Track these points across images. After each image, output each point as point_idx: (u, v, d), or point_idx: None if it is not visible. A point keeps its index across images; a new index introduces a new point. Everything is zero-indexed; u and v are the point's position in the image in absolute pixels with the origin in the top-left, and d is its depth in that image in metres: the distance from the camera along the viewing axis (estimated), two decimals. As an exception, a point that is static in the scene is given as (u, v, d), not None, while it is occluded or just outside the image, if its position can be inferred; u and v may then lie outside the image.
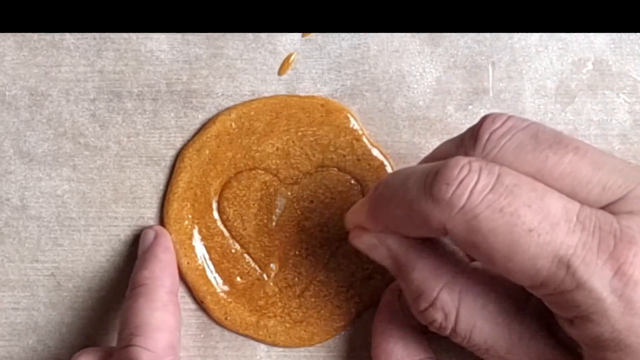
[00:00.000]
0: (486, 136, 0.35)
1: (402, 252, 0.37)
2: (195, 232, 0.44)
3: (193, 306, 0.44)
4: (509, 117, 0.35)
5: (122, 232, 0.45)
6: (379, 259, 0.38)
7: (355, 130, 0.44)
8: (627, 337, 0.30)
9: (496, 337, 0.35)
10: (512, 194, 0.32)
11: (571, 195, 0.32)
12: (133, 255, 0.44)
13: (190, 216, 0.44)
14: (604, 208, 0.32)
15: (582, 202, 0.32)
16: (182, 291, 0.44)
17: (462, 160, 0.33)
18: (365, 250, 0.39)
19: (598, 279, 0.30)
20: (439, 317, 0.36)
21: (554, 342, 0.35)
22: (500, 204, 0.31)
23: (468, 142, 0.36)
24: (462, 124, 0.44)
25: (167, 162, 0.45)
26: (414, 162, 0.44)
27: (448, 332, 0.36)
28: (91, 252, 0.45)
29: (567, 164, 0.33)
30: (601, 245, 0.31)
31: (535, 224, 0.31)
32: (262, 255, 0.44)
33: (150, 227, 0.44)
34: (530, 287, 0.33)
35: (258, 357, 0.44)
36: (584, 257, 0.30)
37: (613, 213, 0.32)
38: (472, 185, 0.32)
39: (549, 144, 0.34)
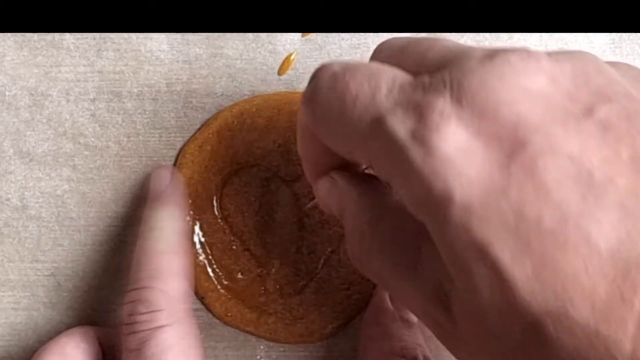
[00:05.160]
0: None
1: (343, 187, 0.37)
2: (197, 228, 0.44)
3: (193, 306, 0.44)
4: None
5: (122, 232, 0.45)
6: (334, 204, 0.38)
7: (356, 128, 0.44)
8: (434, 181, 0.28)
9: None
10: (342, 74, 0.32)
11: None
12: (133, 256, 0.44)
13: (191, 212, 0.44)
14: None
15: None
16: (182, 290, 0.44)
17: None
18: (325, 197, 0.38)
19: (401, 125, 0.29)
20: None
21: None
22: (331, 84, 0.32)
23: None
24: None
25: (167, 162, 0.45)
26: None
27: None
28: (91, 252, 0.45)
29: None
30: (411, 101, 0.29)
31: (360, 89, 0.31)
32: (263, 251, 0.44)
33: (163, 167, 0.44)
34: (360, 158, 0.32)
35: (258, 357, 0.44)
36: (392, 111, 0.29)
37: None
38: (314, 78, 0.33)
39: None
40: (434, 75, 0.30)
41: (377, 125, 0.30)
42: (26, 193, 0.45)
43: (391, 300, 0.43)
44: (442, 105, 0.28)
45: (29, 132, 0.45)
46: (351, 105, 0.31)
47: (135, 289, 0.39)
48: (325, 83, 0.32)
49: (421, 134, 0.28)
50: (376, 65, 0.32)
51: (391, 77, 0.31)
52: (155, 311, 0.38)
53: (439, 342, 0.35)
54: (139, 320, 0.38)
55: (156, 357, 0.37)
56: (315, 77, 0.33)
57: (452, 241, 0.27)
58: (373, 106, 0.30)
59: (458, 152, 0.28)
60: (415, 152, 0.28)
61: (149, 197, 0.43)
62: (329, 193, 0.37)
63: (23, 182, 0.45)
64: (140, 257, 0.40)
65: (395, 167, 0.29)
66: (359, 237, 0.34)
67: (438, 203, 0.28)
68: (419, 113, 0.29)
